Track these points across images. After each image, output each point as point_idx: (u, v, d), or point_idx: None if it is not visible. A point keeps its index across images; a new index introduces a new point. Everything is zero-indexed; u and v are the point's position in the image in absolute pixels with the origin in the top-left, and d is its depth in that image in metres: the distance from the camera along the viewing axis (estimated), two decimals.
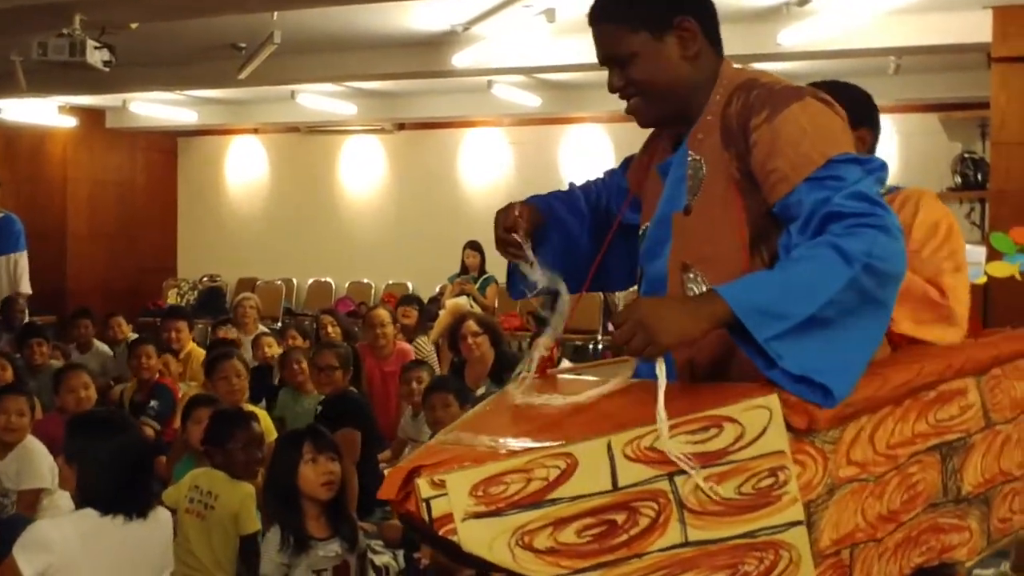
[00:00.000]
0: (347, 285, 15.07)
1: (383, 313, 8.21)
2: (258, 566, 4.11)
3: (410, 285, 14.40)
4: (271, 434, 6.41)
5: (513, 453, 1.96)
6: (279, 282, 15.35)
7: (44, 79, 10.02)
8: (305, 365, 7.02)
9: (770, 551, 2.08)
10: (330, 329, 8.90)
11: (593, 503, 1.96)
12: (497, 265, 11.75)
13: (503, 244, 2.69)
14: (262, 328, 9.64)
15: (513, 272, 2.79)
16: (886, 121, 11.77)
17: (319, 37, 9.80)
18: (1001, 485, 2.63)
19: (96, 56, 7.60)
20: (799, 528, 2.09)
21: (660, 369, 2.08)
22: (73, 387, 6.33)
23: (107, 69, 7.79)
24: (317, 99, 13.15)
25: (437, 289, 13.04)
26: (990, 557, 5.65)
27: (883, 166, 2.37)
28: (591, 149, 13.47)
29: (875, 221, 2.16)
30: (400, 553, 5.15)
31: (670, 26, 2.48)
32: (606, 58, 2.53)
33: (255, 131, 15.91)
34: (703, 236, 2.41)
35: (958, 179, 11.10)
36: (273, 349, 8.61)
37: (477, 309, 11.93)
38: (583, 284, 2.71)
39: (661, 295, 2.46)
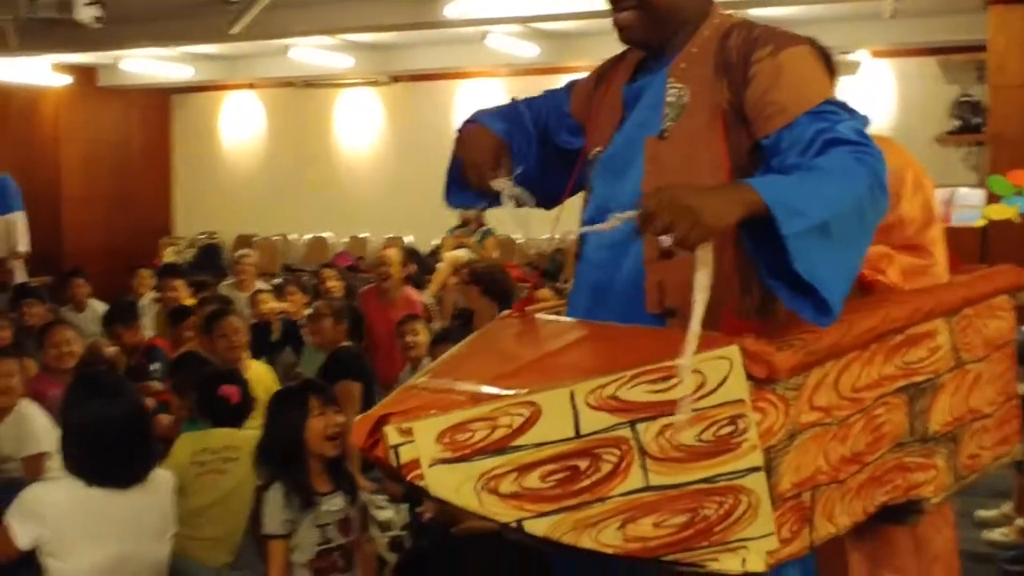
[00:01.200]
0: (345, 240, 15.04)
1: (391, 253, 8.17)
2: None
3: (408, 239, 14.38)
4: (272, 390, 6.41)
5: (478, 401, 2.01)
6: (276, 238, 15.33)
7: (35, 37, 9.95)
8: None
9: (729, 496, 2.12)
10: (330, 283, 8.86)
11: (556, 450, 2.01)
12: (495, 217, 11.74)
13: (479, 176, 2.69)
14: (260, 284, 9.61)
15: (453, 181, 2.87)
16: (883, 65, 11.88)
17: None
18: (970, 423, 2.70)
19: (86, 12, 7.58)
20: (758, 474, 2.14)
21: (705, 254, 2.06)
22: (56, 343, 6.29)
23: (98, 25, 7.73)
24: (312, 52, 13.09)
25: (435, 242, 13.02)
26: (991, 499, 5.71)
27: (867, 121, 2.39)
28: None
29: (873, 152, 2.24)
30: (404, 508, 5.15)
31: None
32: None
33: (250, 86, 15.84)
34: (680, 163, 2.44)
35: (956, 122, 11.09)
36: (270, 305, 8.59)
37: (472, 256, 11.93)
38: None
39: (620, 207, 2.45)
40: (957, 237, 8.36)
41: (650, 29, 2.54)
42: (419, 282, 9.53)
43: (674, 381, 2.06)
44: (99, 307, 9.29)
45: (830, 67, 2.91)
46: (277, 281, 12.13)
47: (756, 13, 10.87)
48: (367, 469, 5.41)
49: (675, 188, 2.12)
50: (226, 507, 4.68)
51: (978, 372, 2.72)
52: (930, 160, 10.44)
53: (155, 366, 6.93)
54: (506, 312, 2.56)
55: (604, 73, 2.78)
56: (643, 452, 2.06)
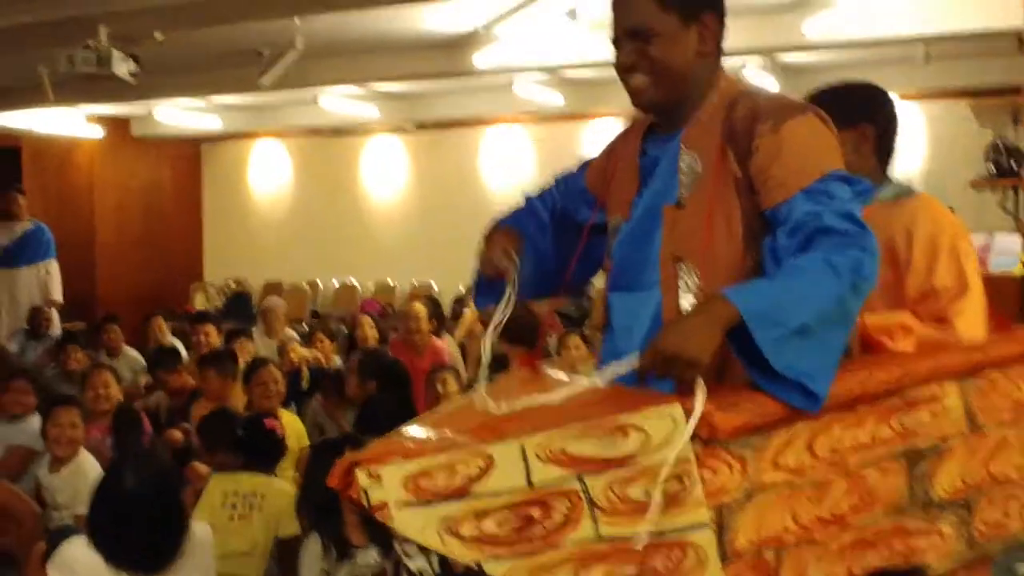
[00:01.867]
0: (372, 286, 15.09)
1: (419, 307, 8.21)
2: (295, 570, 4.12)
3: (434, 284, 14.42)
4: (302, 439, 6.45)
5: (441, 450, 2.15)
6: (305, 284, 15.39)
7: (71, 90, 10.07)
8: None
9: (676, 549, 2.19)
10: (366, 331, 8.85)
11: (511, 498, 2.13)
12: None
13: (492, 272, 2.74)
14: (289, 332, 9.66)
15: (479, 285, 2.86)
16: (915, 108, 11.85)
17: (341, 41, 9.82)
18: (990, 490, 2.63)
19: (123, 67, 7.64)
20: (705, 530, 2.20)
21: (701, 388, 2.20)
22: (94, 385, 6.37)
23: (133, 80, 7.82)
24: (339, 102, 13.18)
25: (461, 288, 13.05)
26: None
27: (869, 189, 2.48)
28: None
29: (861, 242, 2.30)
30: (435, 558, 5.13)
31: (696, 18, 2.55)
32: (627, 31, 2.56)
33: (278, 135, 15.95)
34: (696, 230, 2.48)
35: (991, 167, 10.99)
36: (299, 353, 8.61)
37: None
38: (553, 288, 2.89)
39: (641, 282, 2.57)
40: (995, 285, 8.23)
41: (664, 93, 2.57)
42: (444, 328, 9.49)
43: (620, 437, 2.17)
44: (132, 353, 9.37)
45: (844, 106, 2.99)
46: (304, 328, 12.19)
47: (789, 59, 10.93)
48: None
49: (663, 334, 2.25)
50: (251, 557, 4.71)
51: (1002, 437, 2.66)
52: (965, 205, 10.43)
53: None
54: (516, 366, 2.69)
55: (615, 146, 2.84)
56: (592, 504, 2.16)
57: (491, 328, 2.66)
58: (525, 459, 2.14)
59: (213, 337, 8.78)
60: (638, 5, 2.54)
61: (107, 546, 3.73)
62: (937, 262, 2.96)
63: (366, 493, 2.10)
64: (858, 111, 3.11)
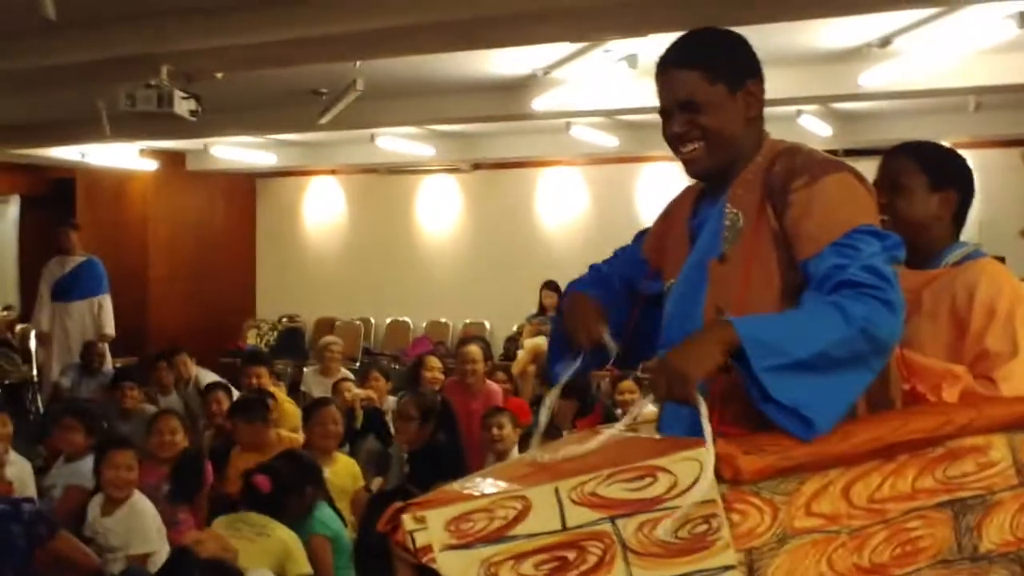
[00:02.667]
0: (424, 324, 15.12)
1: (475, 350, 8.22)
2: None
3: (487, 324, 14.44)
4: (357, 480, 6.46)
5: (481, 495, 2.21)
6: (357, 322, 15.44)
7: (128, 125, 10.16)
8: None
9: None
10: (433, 374, 8.85)
11: (546, 540, 2.19)
12: None
13: (588, 335, 2.81)
14: (344, 372, 9.67)
15: (556, 350, 2.97)
16: (966, 157, 11.78)
17: (400, 83, 9.87)
18: None
19: (183, 106, 7.69)
20: (733, 572, 2.25)
21: (702, 408, 2.30)
22: (159, 431, 6.41)
23: (194, 119, 7.88)
24: (396, 141, 13.25)
25: (515, 328, 13.06)
26: None
27: (899, 244, 2.53)
28: (667, 187, 13.35)
29: (880, 295, 2.36)
30: None
31: (742, 86, 2.68)
32: (679, 103, 2.67)
33: (333, 172, 16.05)
34: (738, 283, 2.57)
35: None
36: (354, 392, 8.62)
37: None
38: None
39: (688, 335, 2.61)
40: None
41: (717, 159, 2.68)
42: (498, 370, 9.46)
43: (648, 480, 2.24)
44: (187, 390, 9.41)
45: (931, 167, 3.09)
46: (357, 366, 12.22)
47: (843, 107, 10.91)
48: None
49: (667, 355, 2.39)
50: None
51: None
52: (1016, 254, 10.37)
53: None
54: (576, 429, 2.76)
55: (670, 211, 2.94)
56: (625, 546, 2.21)
57: (555, 390, 2.82)
58: (560, 502, 2.20)
59: (264, 379, 8.76)
60: (688, 79, 2.65)
61: None
62: (992, 325, 2.97)
63: (412, 536, 2.15)
64: (948, 176, 3.15)
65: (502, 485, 2.25)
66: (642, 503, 2.22)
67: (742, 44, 2.73)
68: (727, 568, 2.24)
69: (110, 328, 11.53)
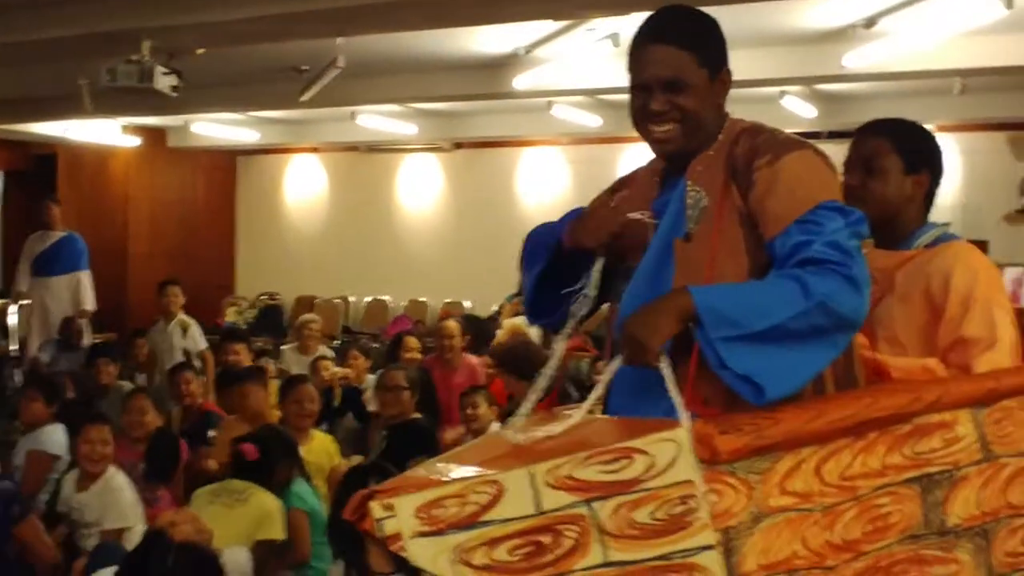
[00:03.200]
0: (404, 303, 15.10)
1: (452, 325, 8.20)
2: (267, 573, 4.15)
3: (466, 304, 14.42)
4: (334, 458, 6.44)
5: (451, 480, 2.19)
6: (337, 300, 15.42)
7: (109, 101, 10.10)
8: None
9: (684, 572, 2.23)
10: (414, 352, 8.82)
11: (521, 525, 2.18)
12: None
13: (591, 241, 2.78)
14: (323, 350, 9.63)
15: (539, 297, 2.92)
16: (950, 140, 11.81)
17: (382, 60, 9.83)
18: (1009, 519, 2.63)
19: (164, 81, 7.65)
20: (711, 552, 2.25)
21: (666, 371, 2.33)
22: (131, 410, 6.40)
23: (175, 94, 7.83)
24: (377, 119, 13.21)
25: (494, 308, 13.04)
26: None
27: (862, 219, 2.51)
28: None
29: (843, 270, 2.38)
30: None
31: (720, 72, 2.68)
32: (662, 81, 2.63)
33: (314, 150, 16.01)
34: (704, 262, 2.54)
35: None
36: (332, 371, 8.59)
37: (535, 329, 11.91)
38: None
39: None
40: None
41: (690, 141, 2.65)
42: (480, 349, 9.42)
43: (625, 462, 2.22)
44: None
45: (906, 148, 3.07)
46: (337, 344, 12.18)
47: (827, 88, 10.90)
48: None
49: (628, 320, 2.41)
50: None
51: (1020, 466, 2.65)
52: (999, 238, 10.42)
53: (212, 433, 6.90)
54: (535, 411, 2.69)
55: (631, 195, 2.88)
56: (601, 529, 2.20)
57: (567, 331, 2.75)
58: (534, 486, 2.19)
59: (243, 356, 8.75)
60: (677, 58, 2.62)
61: None
62: (970, 312, 2.96)
63: (380, 524, 2.15)
64: (922, 159, 3.13)
65: (472, 470, 2.24)
66: (619, 485, 2.21)
67: (719, 29, 2.71)
68: (706, 548, 2.24)
69: (90, 303, 11.45)
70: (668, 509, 2.23)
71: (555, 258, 2.87)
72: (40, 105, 11.90)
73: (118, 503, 5.30)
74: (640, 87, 2.68)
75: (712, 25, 2.71)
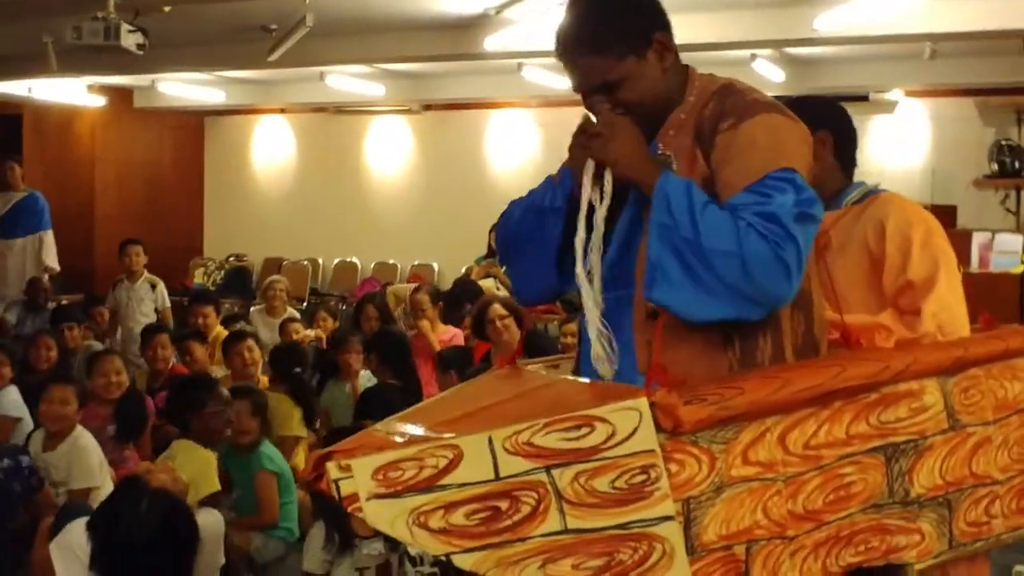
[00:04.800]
0: (372, 266, 15.07)
1: (423, 298, 8.16)
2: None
3: (435, 266, 14.40)
4: (290, 420, 6.41)
5: (410, 442, 2.19)
6: (305, 262, 15.37)
7: (75, 60, 10.01)
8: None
9: (643, 542, 2.22)
10: (373, 323, 8.77)
11: (478, 490, 2.16)
12: None
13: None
14: (291, 312, 9.60)
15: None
16: (920, 105, 11.84)
17: (350, 19, 9.76)
18: (972, 488, 2.66)
19: (130, 39, 7.56)
20: (671, 523, 2.23)
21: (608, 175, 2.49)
22: (104, 371, 6.35)
23: (141, 52, 7.75)
24: (345, 80, 13.11)
25: (463, 270, 13.02)
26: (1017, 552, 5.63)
27: (814, 200, 2.45)
28: None
29: (776, 249, 2.32)
30: None
31: (649, 43, 2.61)
32: (594, 88, 2.61)
33: (282, 111, 15.92)
34: None
35: (994, 166, 11.02)
36: (300, 334, 8.57)
37: (504, 291, 11.92)
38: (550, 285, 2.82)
39: (623, 282, 2.58)
40: (995, 283, 8.38)
41: (645, 121, 2.60)
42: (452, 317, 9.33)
43: (586, 430, 2.19)
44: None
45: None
46: (304, 306, 12.15)
47: (797, 52, 10.89)
48: None
49: (623, 123, 2.51)
50: None
51: (986, 435, 2.68)
52: (967, 203, 10.46)
53: None
54: (496, 365, 2.76)
55: None
56: (560, 496, 2.19)
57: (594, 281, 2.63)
58: (493, 451, 2.17)
59: (212, 319, 8.73)
60: (594, 65, 2.60)
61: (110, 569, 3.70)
62: (910, 255, 3.00)
63: (336, 485, 2.14)
64: (814, 120, 3.10)
65: (427, 432, 2.23)
66: (578, 452, 2.20)
67: (628, 2, 2.63)
68: (665, 519, 2.23)
69: (53, 261, 11.36)
70: (628, 478, 2.21)
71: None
72: (4, 63, 11.76)
73: (85, 463, 5.28)
74: (582, 95, 2.66)
75: (616, 7, 2.61)
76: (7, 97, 13.92)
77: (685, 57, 2.73)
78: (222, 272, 15.23)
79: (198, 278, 14.96)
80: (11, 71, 12.19)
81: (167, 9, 8.24)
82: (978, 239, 8.68)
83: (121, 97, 14.96)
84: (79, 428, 5.48)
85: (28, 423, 6.15)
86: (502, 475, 2.17)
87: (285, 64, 10.32)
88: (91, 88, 14.23)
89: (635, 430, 2.21)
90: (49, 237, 11.44)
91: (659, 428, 2.22)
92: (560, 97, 13.06)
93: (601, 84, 2.59)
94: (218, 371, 7.18)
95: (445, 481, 2.15)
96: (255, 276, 15.02)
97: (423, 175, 15.09)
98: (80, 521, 3.87)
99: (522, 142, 14.33)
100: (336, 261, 15.45)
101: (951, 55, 10.75)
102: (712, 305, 2.35)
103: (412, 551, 5.13)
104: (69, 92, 13.90)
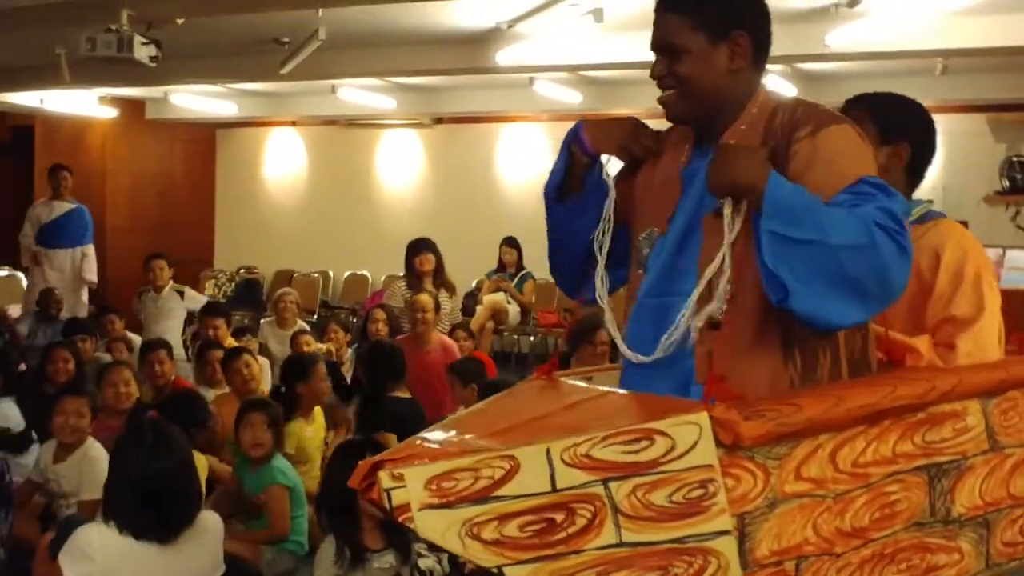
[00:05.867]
0: (383, 278, 15.05)
1: (426, 299, 8.13)
2: None
3: None
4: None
5: (464, 452, 2.15)
6: (316, 275, 15.38)
7: (87, 71, 10.03)
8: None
9: (699, 556, 2.21)
10: (380, 325, 8.79)
11: (534, 502, 2.14)
12: (534, 262, 11.72)
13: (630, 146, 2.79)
14: (301, 324, 9.60)
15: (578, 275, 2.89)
16: None
17: (362, 33, 9.78)
18: (1009, 509, 2.67)
19: (143, 51, 7.59)
20: (727, 537, 2.22)
21: (727, 211, 2.41)
22: (115, 382, 6.35)
23: (153, 64, 7.78)
24: (357, 93, 13.14)
25: (473, 284, 13.03)
26: None
27: (904, 201, 2.53)
28: None
29: (900, 239, 2.33)
30: (444, 556, 5.14)
31: (726, 36, 2.60)
32: (658, 46, 2.64)
33: (293, 124, 15.93)
34: (737, 238, 2.47)
35: (1005, 182, 11.00)
36: (312, 347, 8.56)
37: (514, 305, 11.92)
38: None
39: (676, 290, 2.58)
40: (1006, 300, 8.30)
41: (691, 108, 2.65)
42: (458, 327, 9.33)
43: (645, 443, 2.18)
44: (136, 340, 9.32)
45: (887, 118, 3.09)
46: (315, 319, 12.13)
47: (809, 67, 10.89)
48: None
49: (735, 149, 2.43)
50: None
51: (1022, 457, 2.69)
52: (978, 220, 10.41)
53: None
54: (533, 376, 2.72)
55: (661, 151, 2.82)
56: (616, 509, 2.17)
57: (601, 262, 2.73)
58: (550, 463, 2.14)
59: (223, 331, 8.72)
60: (670, 23, 2.62)
61: (123, 514, 3.75)
62: (959, 291, 2.98)
63: (388, 495, 2.10)
64: (899, 129, 3.10)
65: (482, 442, 2.19)
66: (637, 466, 2.18)
67: None
68: (722, 533, 2.22)
69: (93, 275, 11.47)
70: (686, 492, 2.20)
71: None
72: (17, 74, 11.81)
73: (95, 474, 5.25)
74: (654, 52, 2.68)
75: None
76: (19, 108, 13.97)
77: None
78: (233, 284, 15.26)
79: (209, 290, 14.96)
80: (24, 82, 12.26)
81: (180, 21, 8.26)
82: (989, 255, 8.67)
83: (133, 109, 14.99)
84: (90, 439, 5.47)
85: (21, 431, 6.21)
86: (559, 487, 2.15)
87: (297, 77, 10.35)
88: (103, 99, 14.28)
89: (695, 444, 2.20)
90: (91, 251, 11.52)
91: (718, 443, 2.22)
92: (571, 111, 13.05)
93: (666, 45, 2.62)
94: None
95: (500, 492, 2.12)
96: (266, 288, 15.04)
97: (434, 188, 15.09)
98: (85, 525, 3.88)
99: (533, 156, 14.32)
100: (347, 274, 15.45)
101: (963, 71, 10.75)
102: (846, 307, 2.35)
103: (422, 565, 5.15)
104: (81, 103, 13.95)
